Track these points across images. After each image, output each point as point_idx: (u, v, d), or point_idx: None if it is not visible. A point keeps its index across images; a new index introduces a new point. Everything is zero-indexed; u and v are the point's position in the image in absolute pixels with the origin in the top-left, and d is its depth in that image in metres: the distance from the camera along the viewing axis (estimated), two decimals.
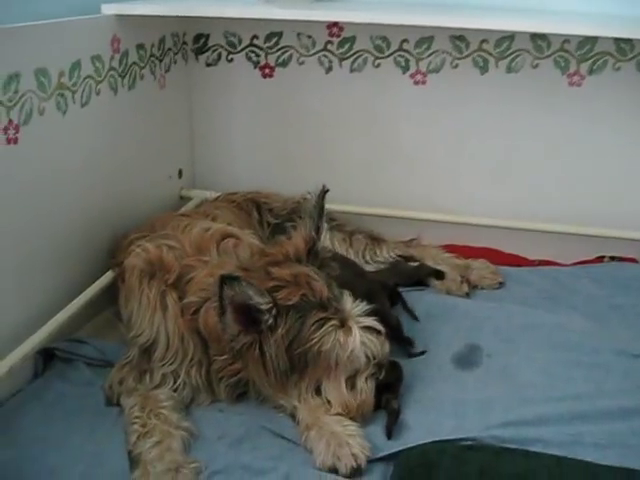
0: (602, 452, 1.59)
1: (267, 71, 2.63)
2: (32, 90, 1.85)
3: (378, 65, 2.54)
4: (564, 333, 2.03)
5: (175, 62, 2.59)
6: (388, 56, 2.52)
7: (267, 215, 2.41)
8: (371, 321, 1.72)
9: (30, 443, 1.64)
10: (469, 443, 1.62)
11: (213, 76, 2.68)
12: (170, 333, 1.78)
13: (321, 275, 1.72)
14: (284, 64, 2.61)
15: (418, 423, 1.70)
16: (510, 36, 2.42)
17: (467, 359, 1.95)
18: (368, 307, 1.74)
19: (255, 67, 2.63)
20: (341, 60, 2.56)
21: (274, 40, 2.58)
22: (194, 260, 1.84)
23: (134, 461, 1.61)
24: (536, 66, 2.44)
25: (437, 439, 1.63)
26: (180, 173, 2.73)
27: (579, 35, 2.34)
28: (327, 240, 1.84)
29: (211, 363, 1.78)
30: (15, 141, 1.81)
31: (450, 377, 1.88)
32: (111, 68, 2.18)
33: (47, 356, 1.94)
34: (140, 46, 2.34)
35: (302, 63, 2.59)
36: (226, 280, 1.56)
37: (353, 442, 1.59)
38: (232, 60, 2.64)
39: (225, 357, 1.73)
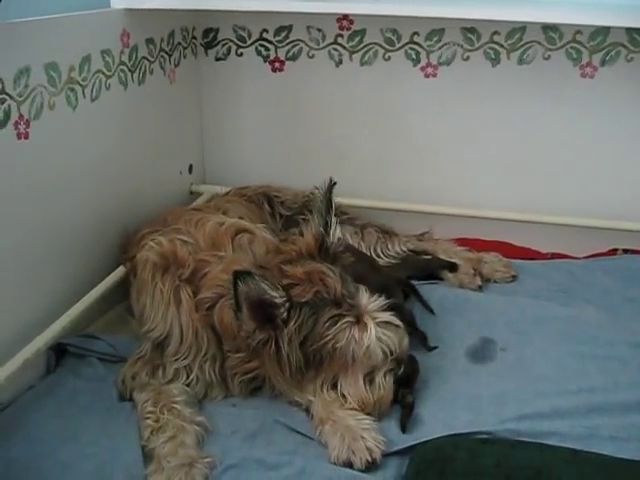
0: (619, 445, 1.57)
1: (277, 65, 2.62)
2: (42, 85, 1.84)
3: (388, 58, 2.53)
4: (578, 326, 2.02)
5: (185, 57, 2.58)
6: (399, 49, 2.51)
7: (279, 208, 2.41)
8: (388, 316, 1.71)
9: (43, 439, 1.64)
10: (484, 437, 1.61)
11: (223, 70, 2.67)
12: (184, 328, 1.78)
13: (335, 271, 1.71)
14: (294, 58, 2.60)
15: (433, 417, 1.69)
16: (521, 27, 2.40)
17: (481, 353, 1.94)
18: (385, 302, 1.72)
19: (265, 61, 2.62)
20: (351, 53, 2.55)
21: (284, 34, 2.57)
22: (209, 255, 1.84)
23: (148, 456, 1.61)
24: (548, 58, 2.42)
25: (452, 433, 1.62)
26: (190, 168, 2.72)
27: (591, 25, 2.32)
28: (339, 233, 1.81)
29: (225, 358, 1.78)
30: (26, 136, 1.80)
31: (464, 371, 1.87)
32: (121, 62, 2.17)
33: (59, 352, 1.94)
34: (150, 40, 2.33)
35: (312, 57, 2.58)
36: (240, 276, 1.56)
37: (368, 436, 1.58)
38: (242, 54, 2.63)
39: (240, 355, 1.72)
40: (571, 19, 2.16)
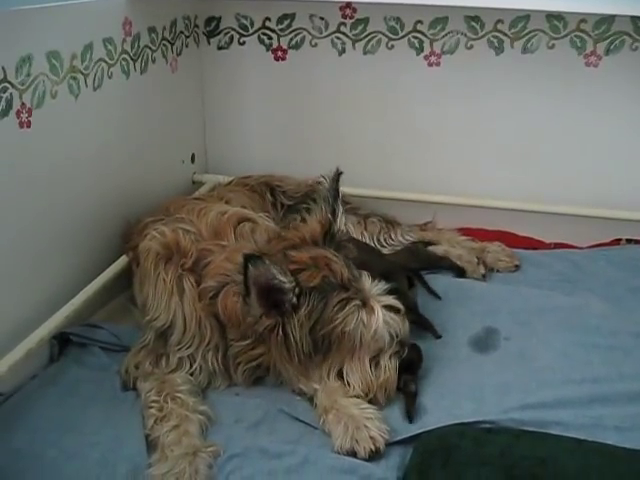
0: (623, 435, 1.57)
1: (280, 54, 2.61)
2: (44, 73, 1.84)
3: (392, 47, 2.51)
4: (582, 316, 2.01)
5: (187, 45, 2.57)
6: (402, 37, 2.49)
7: (281, 197, 2.40)
8: (391, 299, 1.73)
9: (47, 428, 1.64)
10: (488, 426, 1.61)
11: (225, 59, 2.66)
12: (187, 317, 1.78)
13: (339, 257, 1.72)
14: (297, 46, 2.58)
15: (436, 406, 1.69)
16: (525, 16, 2.38)
17: (484, 342, 1.93)
18: (387, 286, 1.74)
19: (267, 50, 2.61)
20: (354, 42, 2.53)
21: (286, 22, 2.56)
22: (211, 244, 1.84)
23: (152, 445, 1.61)
24: (552, 46, 2.41)
25: (456, 422, 1.62)
26: (193, 158, 2.72)
27: (596, 14, 2.30)
28: (344, 222, 1.82)
29: (228, 348, 1.78)
30: (28, 125, 1.80)
31: (468, 360, 1.87)
32: (123, 51, 2.17)
33: (62, 341, 1.94)
34: (152, 29, 2.32)
35: (315, 45, 2.57)
36: (250, 259, 1.56)
37: (371, 425, 1.58)
38: (244, 43, 2.62)
39: (245, 342, 1.72)
40: (576, 7, 2.14)
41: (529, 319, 2.01)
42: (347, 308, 1.66)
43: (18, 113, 1.76)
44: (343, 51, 2.56)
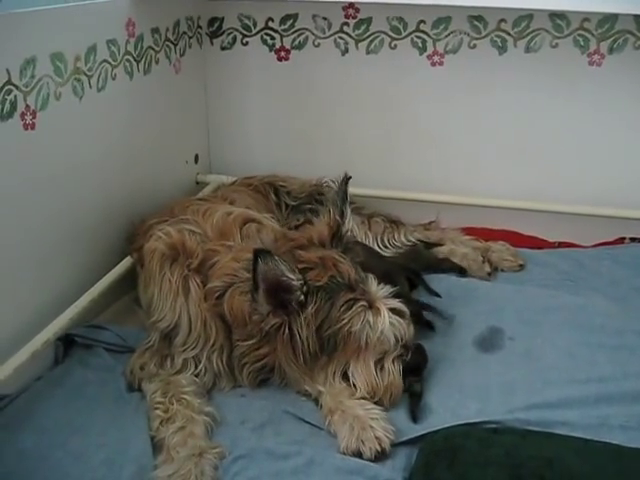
0: (629, 434, 1.57)
1: (282, 54, 2.61)
2: (48, 75, 1.84)
3: (395, 46, 2.51)
4: (587, 315, 2.01)
5: (190, 46, 2.57)
6: (405, 37, 2.49)
7: (285, 198, 2.40)
8: (396, 303, 1.73)
9: (52, 430, 1.64)
10: (494, 426, 1.61)
11: (228, 60, 2.66)
12: (192, 318, 1.78)
13: (346, 258, 1.73)
14: (300, 47, 2.59)
15: (441, 406, 1.69)
16: (529, 15, 2.38)
17: (489, 342, 1.93)
18: (392, 289, 1.74)
19: (270, 50, 2.61)
20: (357, 42, 2.53)
21: (289, 22, 2.56)
22: (217, 245, 1.84)
23: (157, 447, 1.61)
24: (555, 45, 2.41)
25: (461, 422, 1.62)
26: (196, 158, 2.72)
27: (599, 13, 2.30)
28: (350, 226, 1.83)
29: (233, 349, 1.78)
30: (32, 127, 1.80)
31: (472, 360, 1.87)
32: (127, 52, 2.17)
33: (67, 343, 1.94)
34: (155, 30, 2.32)
35: (318, 45, 2.57)
36: (260, 255, 1.56)
37: (377, 425, 1.58)
38: (247, 43, 2.62)
39: (250, 342, 1.72)
40: (579, 6, 2.14)
41: (534, 318, 2.01)
42: (354, 308, 1.66)
43: (22, 115, 1.76)
44: (346, 51, 2.56)
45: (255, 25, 2.59)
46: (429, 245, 2.41)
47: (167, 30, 2.40)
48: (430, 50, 2.50)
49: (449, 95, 2.54)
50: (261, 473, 1.52)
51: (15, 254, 1.81)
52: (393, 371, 1.71)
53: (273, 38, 2.59)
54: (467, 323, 2.01)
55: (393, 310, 1.71)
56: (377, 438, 1.55)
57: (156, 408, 1.69)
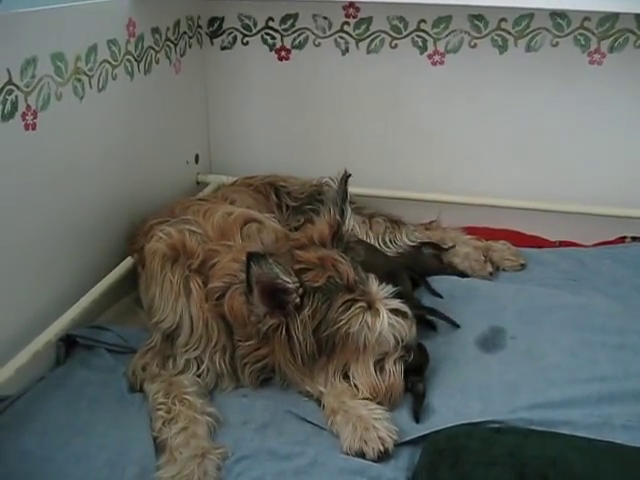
0: (632, 434, 1.57)
1: (283, 54, 2.61)
2: (49, 75, 1.84)
3: (395, 46, 2.51)
4: (588, 314, 2.01)
5: (190, 46, 2.57)
6: (405, 36, 2.49)
7: (286, 198, 2.39)
8: (398, 303, 1.72)
9: (55, 430, 1.64)
10: (497, 426, 1.61)
11: (228, 60, 2.65)
12: (194, 318, 1.77)
13: (346, 258, 1.72)
14: (300, 46, 2.58)
15: (444, 406, 1.69)
16: (529, 14, 2.38)
17: (491, 341, 1.93)
18: (394, 290, 1.73)
19: (271, 50, 2.61)
20: (358, 41, 2.53)
21: (290, 22, 2.56)
22: (218, 245, 1.83)
23: (160, 447, 1.61)
24: (556, 44, 2.41)
25: (464, 422, 1.62)
26: (197, 158, 2.71)
27: (599, 12, 2.30)
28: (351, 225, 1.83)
29: (235, 349, 1.77)
30: (33, 127, 1.80)
31: (474, 359, 1.87)
32: (127, 52, 2.16)
33: (69, 343, 1.94)
34: (155, 30, 2.32)
35: (318, 45, 2.57)
36: (253, 258, 1.56)
37: (380, 425, 1.58)
38: (247, 43, 2.62)
39: (250, 342, 1.72)
40: (579, 5, 2.14)
41: (535, 318, 2.01)
42: (352, 309, 1.65)
43: (23, 115, 1.76)
44: (346, 50, 2.55)
45: (255, 25, 2.59)
46: (439, 248, 2.38)
47: (167, 30, 2.39)
48: (431, 49, 2.49)
49: (450, 94, 2.54)
50: (264, 473, 1.52)
51: (16, 255, 1.80)
52: (394, 372, 1.70)
53: (273, 38, 2.59)
54: (469, 323, 2.00)
55: (394, 311, 1.70)
56: (380, 438, 1.55)
57: (158, 409, 1.68)
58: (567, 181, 2.54)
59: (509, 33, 2.42)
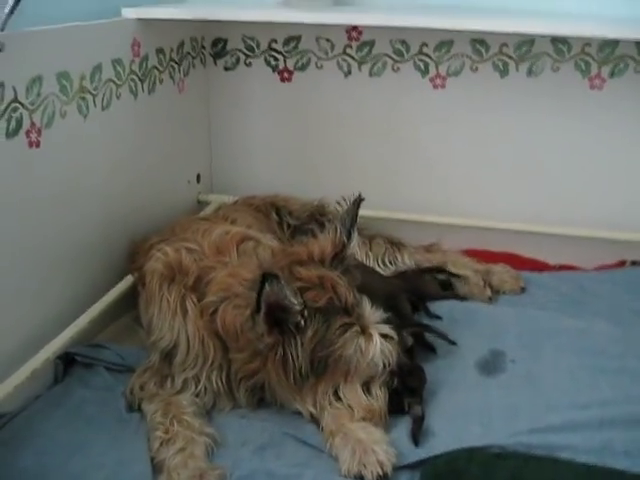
0: (633, 460, 1.56)
1: (286, 75, 2.62)
2: (54, 93, 1.85)
3: (397, 69, 2.53)
4: (588, 339, 2.01)
5: (194, 66, 2.58)
6: (407, 60, 2.51)
7: (287, 217, 2.40)
8: (387, 329, 1.71)
9: (52, 449, 1.63)
10: (497, 450, 1.60)
11: (231, 80, 2.67)
12: (190, 337, 1.77)
13: (344, 279, 1.71)
14: (303, 68, 2.60)
15: (443, 430, 1.68)
16: (530, 39, 2.41)
17: (491, 365, 1.92)
18: (385, 315, 1.73)
19: (274, 71, 2.63)
20: (360, 64, 2.55)
21: (293, 44, 2.58)
22: (213, 262, 1.83)
23: (157, 468, 1.59)
24: (557, 69, 2.43)
25: (464, 446, 1.61)
26: (198, 178, 2.72)
27: (600, 38, 2.32)
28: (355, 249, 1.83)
29: (231, 366, 1.76)
30: (37, 144, 1.81)
31: (474, 383, 1.86)
32: (131, 72, 2.18)
33: (67, 361, 1.93)
34: (160, 50, 2.34)
35: (321, 67, 2.59)
36: (267, 278, 1.55)
37: (379, 449, 1.57)
38: (250, 64, 2.64)
39: (242, 356, 1.71)
40: (580, 31, 2.15)
41: (535, 342, 2.01)
42: (348, 333, 1.65)
43: (28, 133, 1.77)
44: (349, 73, 2.57)
45: (259, 46, 2.61)
46: (434, 270, 2.38)
47: (172, 50, 2.41)
48: (432, 73, 2.51)
49: (451, 117, 2.55)
50: None
51: (16, 271, 1.80)
52: (379, 396, 1.70)
53: (276, 59, 2.61)
54: (469, 346, 2.00)
55: (384, 336, 1.69)
56: (379, 462, 1.54)
57: (156, 429, 1.67)
58: (567, 205, 2.55)
59: (510, 58, 2.44)
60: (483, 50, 2.45)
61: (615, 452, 1.58)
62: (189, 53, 2.53)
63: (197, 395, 1.79)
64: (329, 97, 2.62)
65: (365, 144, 2.64)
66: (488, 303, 2.26)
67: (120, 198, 2.21)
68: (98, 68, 2.01)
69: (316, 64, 2.59)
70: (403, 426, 1.70)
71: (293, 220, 2.41)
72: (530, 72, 2.44)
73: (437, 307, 2.18)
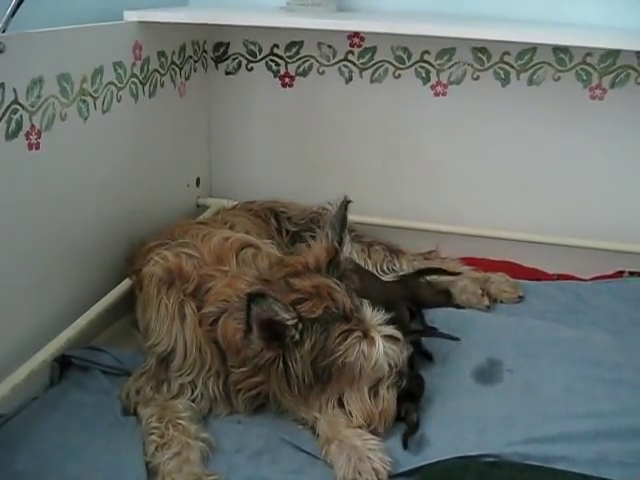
0: (628, 471, 1.56)
1: (287, 80, 2.63)
2: (55, 95, 1.85)
3: (399, 76, 2.53)
4: (585, 349, 2.00)
5: (195, 70, 2.58)
6: (409, 67, 2.51)
7: (286, 223, 2.40)
8: (390, 329, 1.71)
9: (48, 452, 1.62)
10: (492, 460, 1.60)
11: (233, 85, 2.67)
12: (188, 343, 1.76)
13: (341, 286, 1.71)
14: (304, 73, 2.60)
15: (439, 438, 1.68)
16: (532, 48, 2.41)
17: (488, 374, 1.92)
18: (387, 316, 1.72)
19: (275, 76, 2.63)
20: (361, 70, 2.55)
21: (294, 49, 2.58)
22: (213, 270, 1.82)
23: (152, 472, 1.59)
24: (558, 79, 2.43)
25: (459, 455, 1.61)
26: (198, 181, 2.72)
27: (601, 48, 2.32)
28: (349, 251, 1.82)
29: (228, 374, 1.76)
30: (37, 147, 1.80)
31: (471, 392, 1.86)
32: (132, 75, 2.18)
33: (64, 364, 1.93)
34: (161, 53, 2.33)
35: (322, 73, 2.59)
36: (254, 298, 1.54)
37: (374, 456, 1.57)
38: (252, 69, 2.64)
39: (244, 369, 1.71)
40: (582, 41, 2.15)
41: (533, 351, 2.00)
42: (349, 340, 1.64)
43: (27, 135, 1.77)
44: (350, 79, 2.57)
45: (260, 51, 2.61)
46: (446, 273, 2.36)
47: (173, 54, 2.41)
48: (434, 80, 2.52)
49: (451, 125, 2.56)
50: None
51: (14, 273, 1.80)
52: (388, 398, 1.70)
53: (278, 64, 2.61)
54: (465, 354, 1.99)
55: (387, 337, 1.69)
56: (374, 469, 1.54)
57: (152, 433, 1.67)
58: (566, 214, 2.55)
59: (512, 66, 2.44)
60: (484, 58, 2.45)
61: (610, 463, 1.58)
62: (190, 57, 2.54)
63: (193, 401, 1.78)
64: (330, 103, 2.62)
65: (365, 150, 2.65)
66: (486, 312, 2.25)
67: (119, 200, 2.21)
68: (99, 71, 2.01)
69: (318, 70, 2.59)
70: (399, 434, 1.69)
71: (292, 226, 2.40)
72: (531, 81, 2.45)
73: (434, 315, 2.17)
